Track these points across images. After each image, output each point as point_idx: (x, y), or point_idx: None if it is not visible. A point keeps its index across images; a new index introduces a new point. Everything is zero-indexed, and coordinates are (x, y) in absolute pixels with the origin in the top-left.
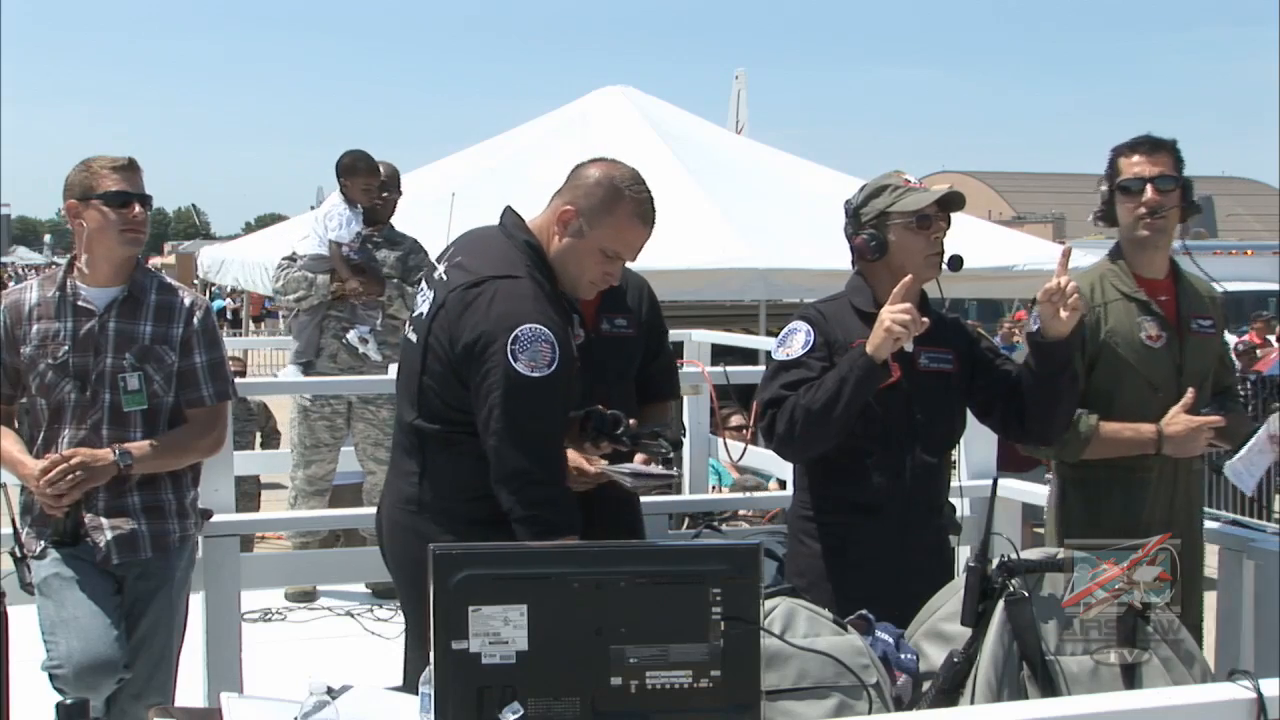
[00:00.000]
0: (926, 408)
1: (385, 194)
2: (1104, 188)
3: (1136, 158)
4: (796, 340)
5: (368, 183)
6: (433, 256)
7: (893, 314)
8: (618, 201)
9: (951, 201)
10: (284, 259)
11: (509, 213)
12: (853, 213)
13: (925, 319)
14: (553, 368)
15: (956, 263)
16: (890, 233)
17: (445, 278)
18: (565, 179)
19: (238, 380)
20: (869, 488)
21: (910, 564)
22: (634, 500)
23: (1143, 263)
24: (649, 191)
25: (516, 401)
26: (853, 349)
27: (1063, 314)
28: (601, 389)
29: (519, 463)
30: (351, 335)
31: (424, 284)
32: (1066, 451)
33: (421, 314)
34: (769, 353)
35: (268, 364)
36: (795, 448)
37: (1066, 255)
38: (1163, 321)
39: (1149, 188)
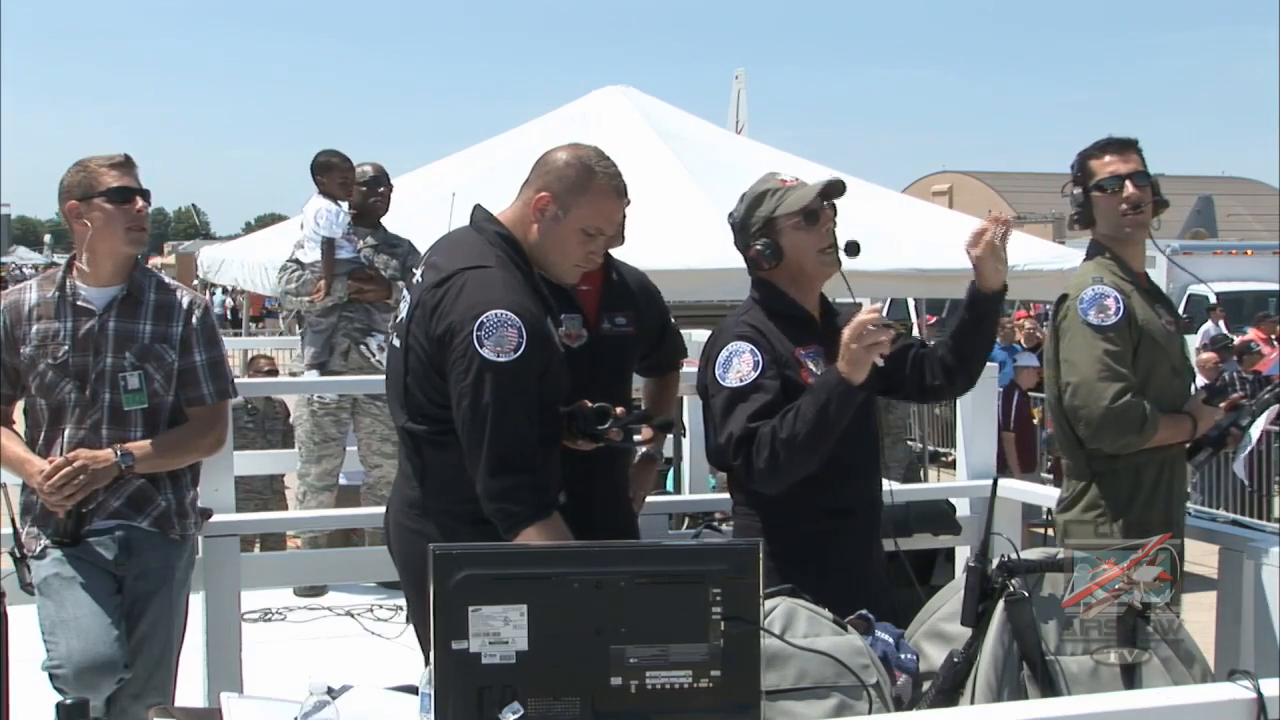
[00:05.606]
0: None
1: (380, 190)
2: (1075, 190)
3: (1108, 157)
4: (745, 363)
5: (345, 176)
6: None
7: (862, 338)
8: (590, 178)
9: (833, 190)
10: (289, 262)
11: (479, 209)
12: (740, 225)
13: (884, 339)
14: (519, 353)
15: (853, 248)
16: (781, 237)
17: (420, 280)
18: (531, 169)
19: (249, 380)
20: (836, 493)
21: (874, 567)
22: (626, 502)
23: (1130, 257)
24: (616, 165)
25: (481, 387)
26: (827, 371)
27: (999, 267)
28: (600, 386)
29: (482, 452)
30: (371, 344)
31: (405, 290)
32: (1137, 441)
33: (400, 318)
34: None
35: None
36: (779, 480)
37: (996, 221)
38: (1169, 308)
39: (1128, 183)
